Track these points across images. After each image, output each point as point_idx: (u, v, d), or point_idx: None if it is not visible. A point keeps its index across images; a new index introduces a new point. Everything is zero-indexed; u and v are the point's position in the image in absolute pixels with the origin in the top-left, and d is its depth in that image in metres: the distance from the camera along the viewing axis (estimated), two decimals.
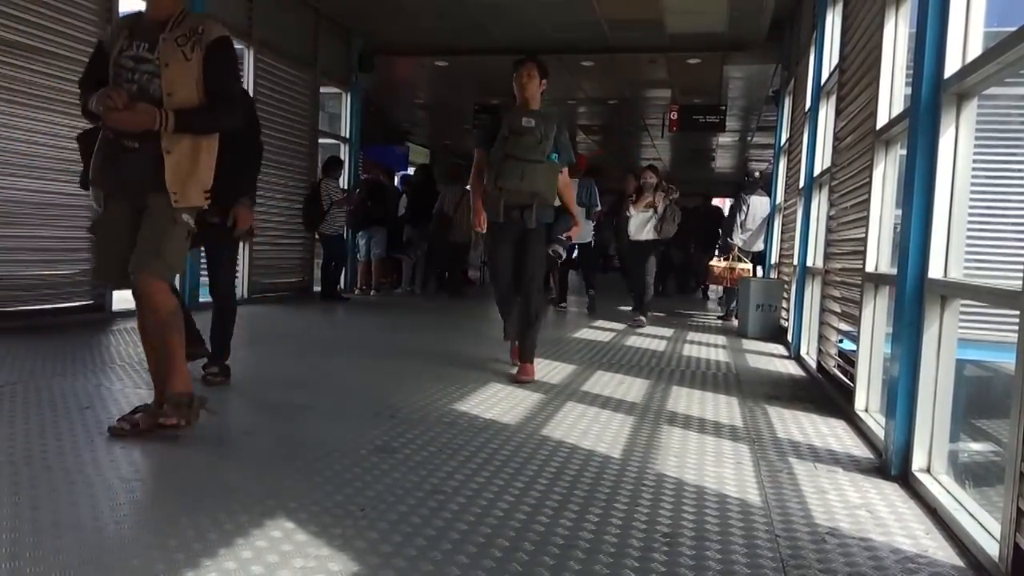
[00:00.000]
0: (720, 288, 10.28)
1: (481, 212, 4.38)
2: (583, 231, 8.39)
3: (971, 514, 2.24)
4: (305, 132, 9.00)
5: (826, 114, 5.49)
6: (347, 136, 10.26)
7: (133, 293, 2.82)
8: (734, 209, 8.96)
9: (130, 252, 2.76)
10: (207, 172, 2.85)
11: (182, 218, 2.79)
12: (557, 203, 4.50)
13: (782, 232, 8.15)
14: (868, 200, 3.66)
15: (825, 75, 5.62)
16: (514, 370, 4.36)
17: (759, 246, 8.75)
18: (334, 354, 5.19)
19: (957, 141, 2.58)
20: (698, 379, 4.62)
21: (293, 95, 8.68)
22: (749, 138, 16.08)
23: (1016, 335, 1.85)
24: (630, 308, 7.90)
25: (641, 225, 7.68)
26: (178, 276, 6.87)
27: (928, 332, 2.61)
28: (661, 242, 7.83)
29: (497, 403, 3.65)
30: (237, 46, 8.25)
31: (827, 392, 4.29)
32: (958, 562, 2.03)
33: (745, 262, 8.36)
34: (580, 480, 2.53)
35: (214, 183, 2.89)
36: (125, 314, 6.26)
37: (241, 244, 3.99)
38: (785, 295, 7.07)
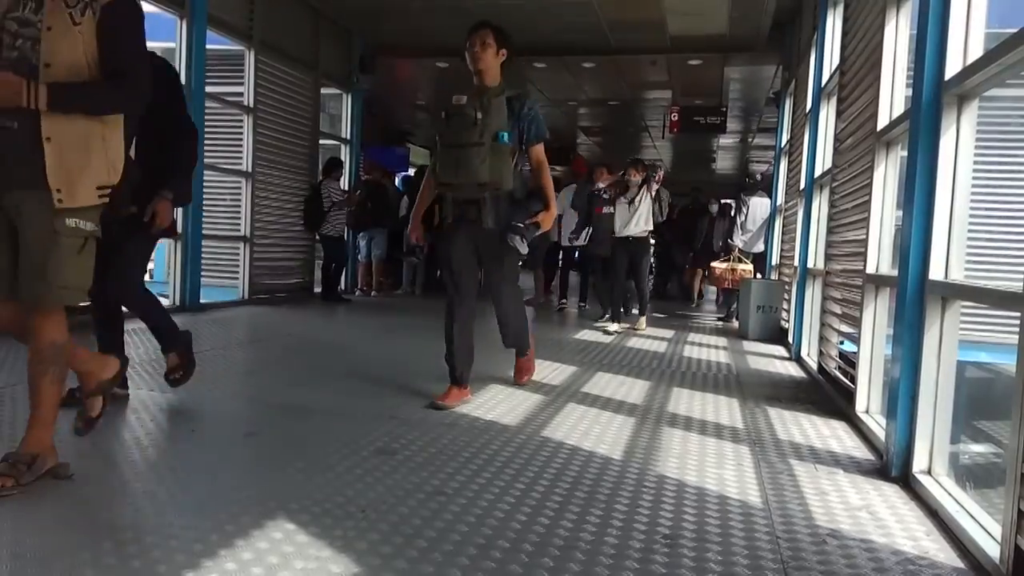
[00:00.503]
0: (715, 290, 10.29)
1: (416, 223, 3.91)
2: (580, 235, 8.35)
3: (972, 516, 2.24)
4: (306, 133, 9.01)
5: (827, 115, 5.49)
6: (348, 137, 10.27)
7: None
8: (728, 209, 9.01)
9: (7, 264, 2.31)
10: (104, 164, 2.34)
11: (66, 225, 2.26)
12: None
13: (783, 233, 8.15)
14: (869, 201, 3.66)
15: (826, 76, 5.62)
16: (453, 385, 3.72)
17: (759, 247, 8.76)
18: (335, 355, 5.19)
19: (958, 142, 2.58)
20: (699, 380, 4.62)
21: (294, 96, 8.69)
22: (750, 139, 16.08)
23: (1017, 337, 1.85)
24: (604, 315, 7.42)
25: (625, 221, 7.11)
26: (177, 278, 6.99)
27: (929, 333, 2.61)
28: (658, 240, 7.73)
29: (497, 404, 3.65)
30: (237, 47, 8.33)
31: (828, 393, 4.29)
32: (959, 564, 2.03)
33: (746, 263, 8.36)
34: (581, 482, 2.53)
35: (135, 173, 2.48)
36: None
37: (171, 242, 3.63)
38: (786, 296, 7.07)
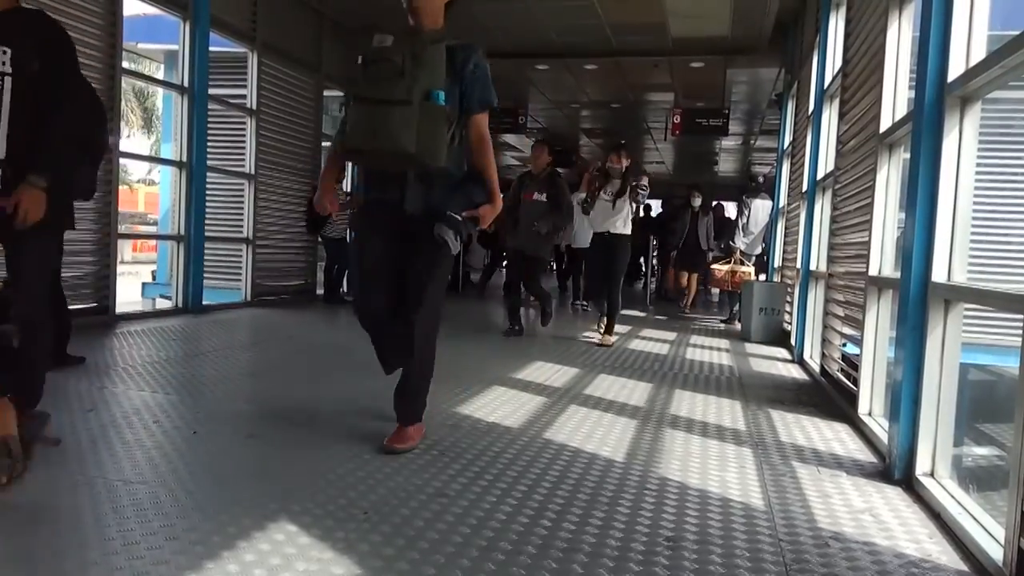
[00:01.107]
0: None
1: (327, 191, 2.94)
2: (581, 236, 7.95)
3: (975, 518, 2.24)
4: (308, 135, 9.02)
5: (829, 117, 5.50)
6: None
7: None
8: (721, 208, 8.81)
9: None
10: None
11: None
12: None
13: (786, 236, 8.15)
14: (871, 204, 3.66)
15: (828, 78, 5.62)
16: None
17: (759, 249, 8.76)
18: (336, 357, 5.19)
19: (961, 144, 2.58)
20: (701, 383, 4.61)
21: (297, 98, 8.71)
22: (752, 142, 16.09)
23: (1020, 339, 1.84)
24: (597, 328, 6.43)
25: (606, 215, 6.10)
26: (179, 280, 7.00)
27: (932, 336, 2.61)
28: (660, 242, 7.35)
29: (500, 407, 3.65)
30: (240, 49, 8.36)
31: (830, 396, 4.28)
32: (962, 567, 2.02)
33: (747, 265, 8.36)
34: (583, 484, 2.53)
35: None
36: (129, 316, 6.28)
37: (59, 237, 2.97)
38: (788, 299, 7.06)
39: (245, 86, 7.95)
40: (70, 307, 5.69)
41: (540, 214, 6.36)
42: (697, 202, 9.82)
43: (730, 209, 14.95)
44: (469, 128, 2.80)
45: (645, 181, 6.12)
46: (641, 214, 6.77)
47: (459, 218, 2.73)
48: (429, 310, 2.83)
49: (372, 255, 2.84)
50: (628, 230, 6.16)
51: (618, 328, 7.10)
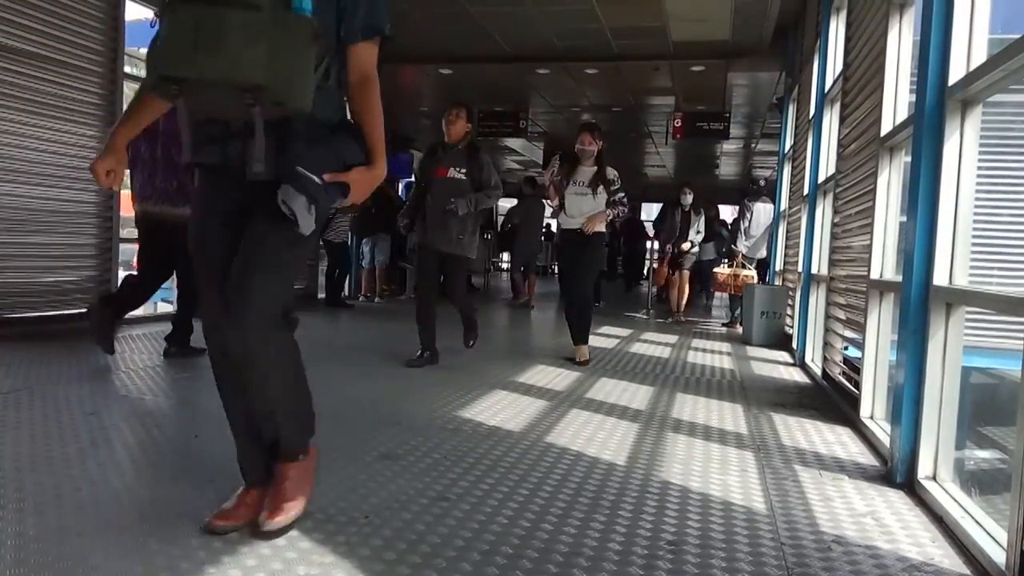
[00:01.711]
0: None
1: (110, 149, 2.01)
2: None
3: (978, 522, 2.23)
4: None
5: (830, 121, 5.50)
6: None
7: None
8: (713, 208, 8.56)
9: None
10: None
11: None
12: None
13: (787, 239, 8.15)
14: (873, 207, 3.66)
15: (829, 82, 5.62)
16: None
17: (762, 253, 8.74)
18: (337, 361, 5.18)
19: (962, 148, 2.58)
20: (703, 386, 4.61)
21: None
22: (753, 145, 16.08)
23: (1022, 342, 1.84)
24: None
25: (580, 208, 5.22)
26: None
27: (934, 339, 2.60)
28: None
29: (501, 410, 3.65)
30: None
31: (832, 399, 4.28)
32: (965, 570, 2.02)
33: (749, 269, 8.35)
34: (584, 488, 2.53)
35: None
36: (130, 320, 6.28)
37: None
38: (790, 302, 7.06)
39: None
40: (73, 311, 5.71)
41: (458, 195, 4.94)
42: (688, 200, 9.01)
43: (726, 211, 14.88)
44: (349, 61, 2.01)
45: (624, 195, 5.31)
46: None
47: (317, 180, 1.85)
48: (262, 316, 1.88)
49: (209, 247, 1.96)
50: (603, 227, 5.29)
51: (618, 331, 7.10)
